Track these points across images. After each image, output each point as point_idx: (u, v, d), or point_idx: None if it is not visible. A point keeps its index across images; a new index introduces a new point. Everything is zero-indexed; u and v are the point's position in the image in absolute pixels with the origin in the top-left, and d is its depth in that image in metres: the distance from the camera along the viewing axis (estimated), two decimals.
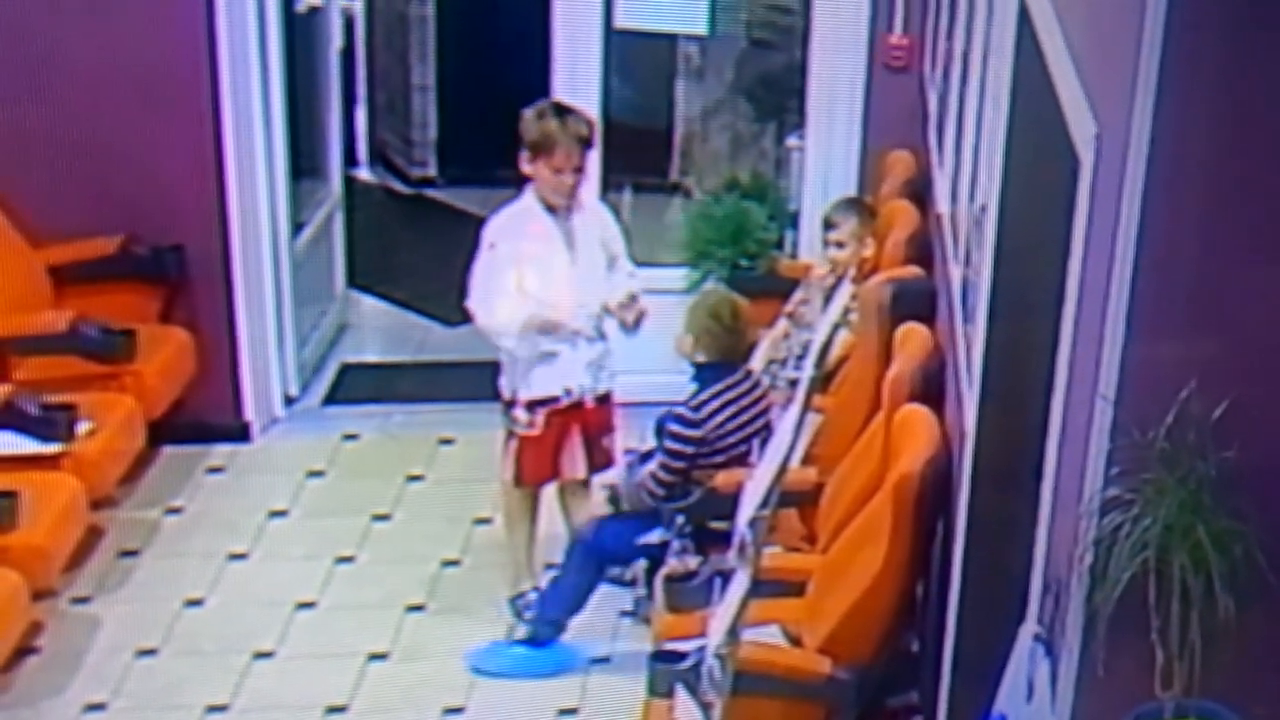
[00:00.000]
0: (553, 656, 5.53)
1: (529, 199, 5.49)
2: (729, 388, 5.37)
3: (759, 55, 7.62)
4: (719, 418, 5.34)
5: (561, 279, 5.46)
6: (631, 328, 5.51)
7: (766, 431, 5.31)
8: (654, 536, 5.34)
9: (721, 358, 5.39)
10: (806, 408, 4.48)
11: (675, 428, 5.33)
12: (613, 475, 5.90)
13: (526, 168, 5.44)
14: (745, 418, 5.39)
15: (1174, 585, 2.48)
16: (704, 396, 5.34)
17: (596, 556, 5.51)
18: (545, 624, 5.54)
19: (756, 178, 7.21)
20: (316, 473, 6.62)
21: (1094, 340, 2.66)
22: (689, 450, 5.32)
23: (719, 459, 5.34)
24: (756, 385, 5.49)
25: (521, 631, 5.62)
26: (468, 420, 6.73)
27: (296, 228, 7.04)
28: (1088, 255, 2.75)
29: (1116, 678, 2.59)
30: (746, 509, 4.11)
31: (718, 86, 7.89)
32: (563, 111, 5.47)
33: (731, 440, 5.36)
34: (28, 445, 5.64)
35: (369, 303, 7.96)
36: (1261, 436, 2.54)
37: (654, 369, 6.13)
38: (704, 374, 5.40)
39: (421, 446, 6.77)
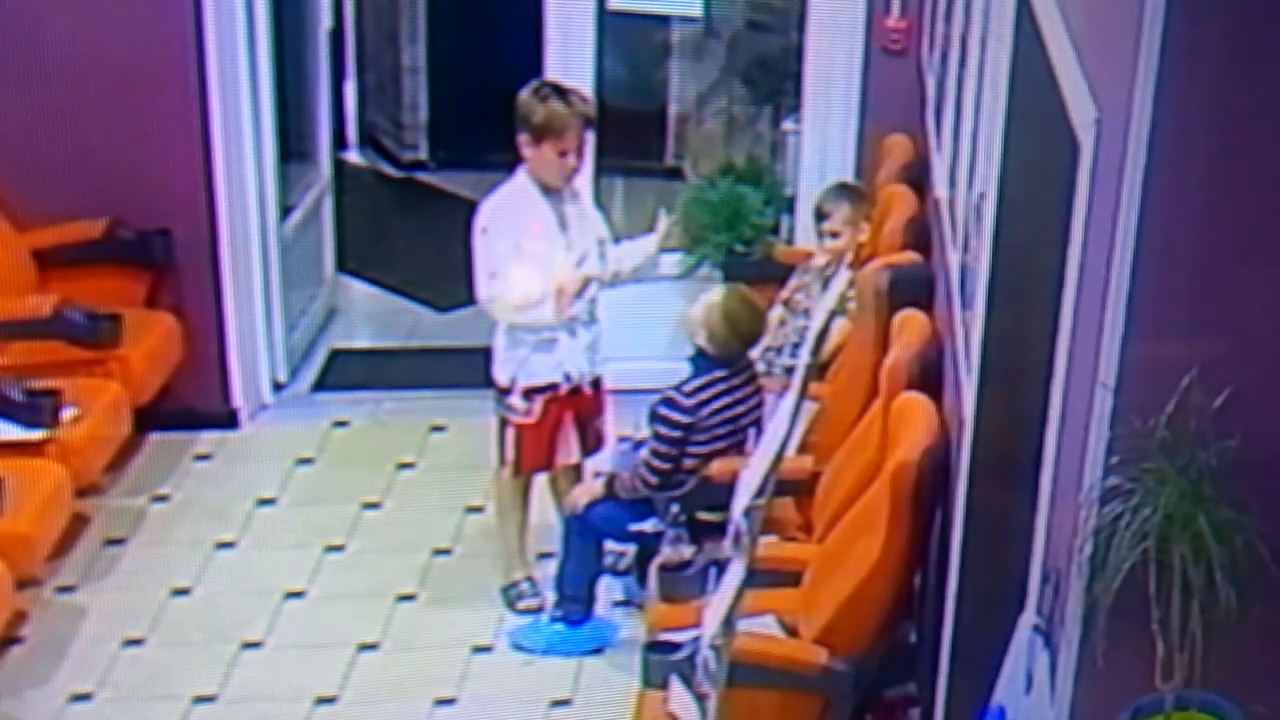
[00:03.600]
0: (587, 633, 5.56)
1: (523, 180, 5.44)
2: (726, 376, 5.33)
3: (755, 38, 7.59)
4: (712, 405, 5.31)
5: (558, 263, 5.41)
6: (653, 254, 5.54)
7: (760, 421, 5.27)
8: (648, 525, 5.32)
9: (727, 354, 5.34)
10: (803, 395, 4.45)
11: (665, 411, 5.30)
12: (605, 460, 5.88)
13: (528, 151, 5.38)
14: (741, 408, 5.37)
15: (1174, 576, 2.47)
16: (699, 383, 5.31)
17: (593, 534, 5.51)
18: (570, 603, 5.55)
19: (752, 162, 7.18)
20: (305, 460, 6.59)
21: (1094, 327, 2.64)
22: (676, 435, 5.29)
23: (710, 447, 5.31)
24: (754, 374, 5.45)
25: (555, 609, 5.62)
26: (459, 407, 6.69)
27: (285, 211, 7.00)
28: (1088, 241, 2.73)
29: (1116, 669, 2.57)
30: (742, 498, 4.09)
31: (713, 70, 7.86)
32: (562, 92, 5.42)
33: (725, 429, 5.32)
34: (12, 431, 5.61)
35: (359, 287, 7.93)
36: (1263, 426, 2.53)
37: (647, 356, 6.09)
38: (701, 360, 5.36)
39: (412, 433, 6.74)
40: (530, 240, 5.39)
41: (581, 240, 5.48)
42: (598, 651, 5.52)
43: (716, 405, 5.31)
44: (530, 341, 5.45)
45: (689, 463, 5.32)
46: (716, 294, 5.46)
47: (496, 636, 5.62)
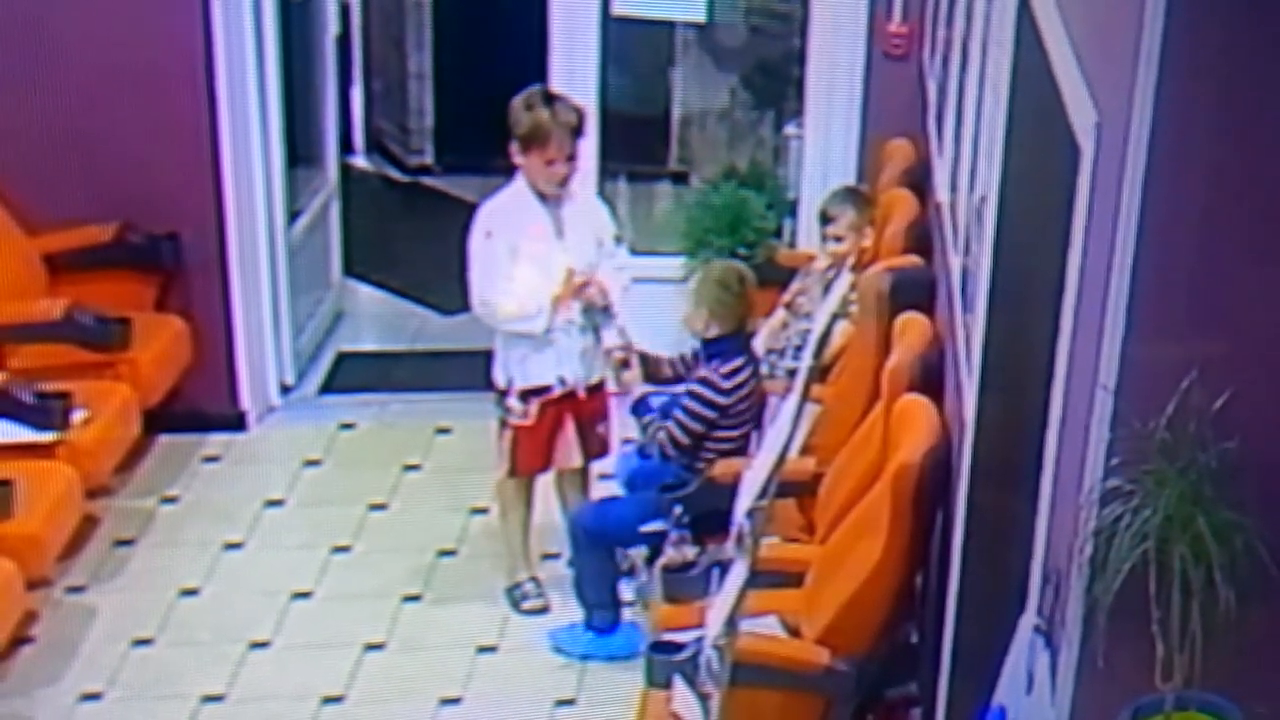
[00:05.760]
0: (621, 638, 5.54)
1: (521, 185, 5.48)
2: (744, 365, 5.37)
3: (757, 43, 7.61)
4: (743, 390, 5.35)
5: (554, 269, 5.43)
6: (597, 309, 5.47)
7: (762, 414, 5.32)
8: (656, 526, 5.33)
9: (736, 327, 5.38)
10: (805, 398, 4.48)
11: (702, 390, 5.30)
12: (610, 465, 5.89)
13: (519, 159, 5.43)
14: (754, 398, 5.40)
15: (1174, 577, 2.48)
16: (734, 365, 5.33)
17: (603, 540, 5.52)
18: (596, 609, 5.56)
19: (755, 166, 7.21)
20: (313, 462, 6.62)
21: (1094, 330, 2.65)
22: (712, 415, 5.31)
23: (735, 431, 5.34)
24: (758, 367, 5.49)
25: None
26: (464, 409, 6.71)
27: (292, 215, 7.03)
28: (1088, 244, 2.75)
29: (1116, 669, 2.58)
30: (745, 499, 4.11)
31: (716, 74, 7.88)
32: (551, 100, 5.46)
33: (743, 416, 5.36)
34: (23, 433, 5.64)
35: (365, 291, 7.96)
36: (1263, 427, 2.54)
37: None
38: (717, 347, 5.37)
39: (418, 436, 6.77)
40: (528, 244, 5.42)
41: (579, 245, 5.51)
42: (631, 656, 5.40)
43: (745, 391, 5.35)
44: (527, 344, 5.48)
45: (712, 446, 5.34)
46: (694, 280, 5.50)
47: (501, 636, 5.65)
